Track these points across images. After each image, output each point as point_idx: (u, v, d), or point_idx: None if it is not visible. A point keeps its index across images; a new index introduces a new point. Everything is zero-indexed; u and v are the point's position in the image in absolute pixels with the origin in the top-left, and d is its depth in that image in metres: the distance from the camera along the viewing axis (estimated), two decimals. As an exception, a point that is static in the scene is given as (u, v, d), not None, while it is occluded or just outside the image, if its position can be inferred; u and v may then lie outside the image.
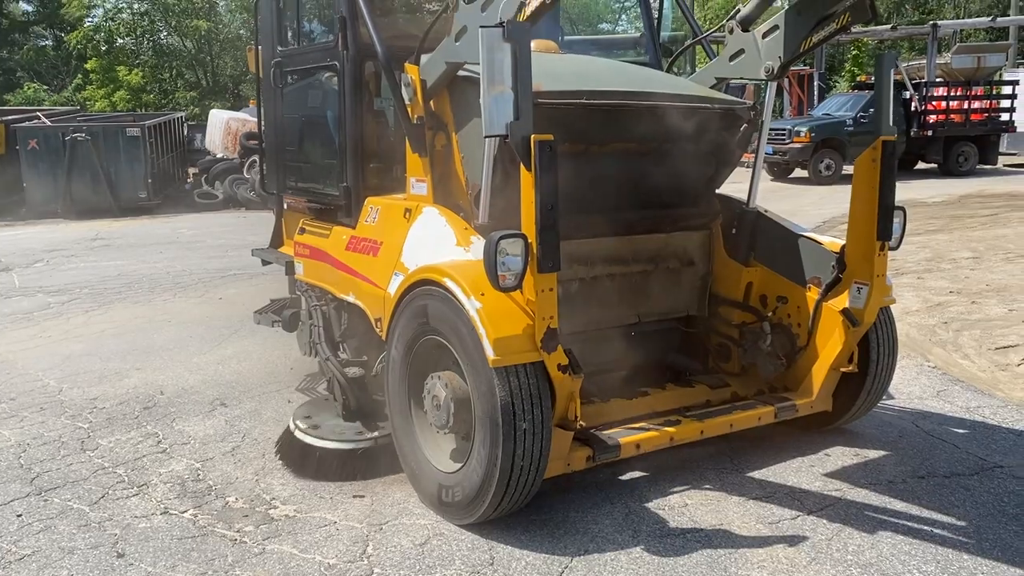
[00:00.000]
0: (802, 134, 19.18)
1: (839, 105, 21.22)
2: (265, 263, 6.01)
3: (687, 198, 4.75)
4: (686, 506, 3.80)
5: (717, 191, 4.91)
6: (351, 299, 4.47)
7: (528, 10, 3.25)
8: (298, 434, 4.25)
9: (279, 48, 5.26)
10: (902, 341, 6.70)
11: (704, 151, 4.57)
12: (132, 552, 3.44)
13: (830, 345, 4.30)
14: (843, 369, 4.31)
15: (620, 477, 4.11)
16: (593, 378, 4.24)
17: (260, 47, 5.49)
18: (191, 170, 20.33)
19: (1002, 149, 22.49)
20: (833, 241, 4.46)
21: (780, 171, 20.46)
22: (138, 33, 35.34)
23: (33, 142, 16.61)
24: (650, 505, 3.81)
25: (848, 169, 20.78)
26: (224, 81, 35.27)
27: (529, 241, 3.23)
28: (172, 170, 19.56)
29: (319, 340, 4.69)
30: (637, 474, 4.13)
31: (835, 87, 33.05)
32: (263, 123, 5.58)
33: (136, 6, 34.70)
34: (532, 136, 3.19)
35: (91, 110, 29.94)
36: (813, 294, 4.40)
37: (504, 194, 3.70)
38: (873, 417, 4.83)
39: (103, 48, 34.22)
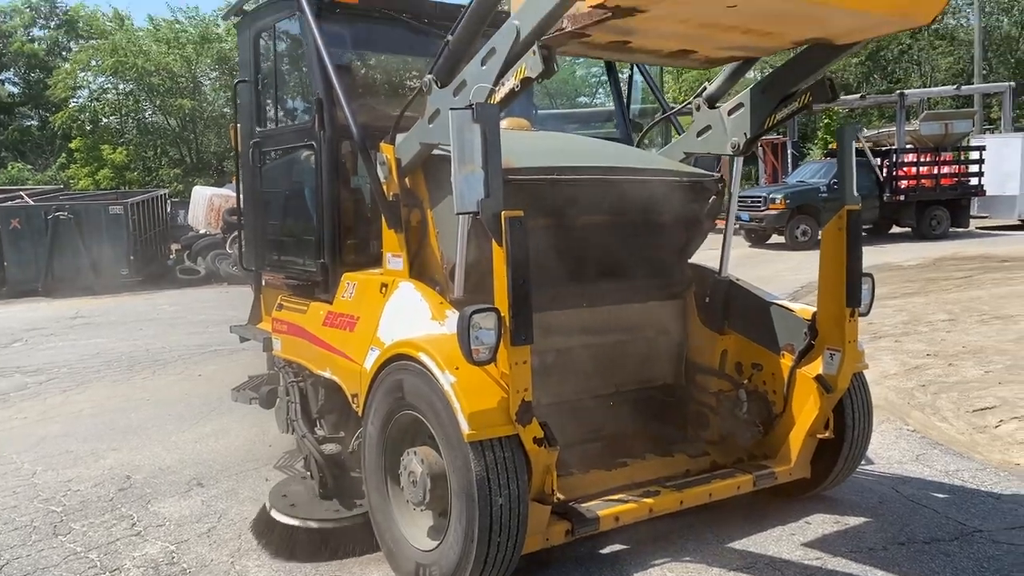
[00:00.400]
0: (777, 201, 19.54)
1: (813, 172, 21.69)
2: (243, 340, 6.00)
3: (660, 268, 4.82)
4: (668, 579, 3.77)
5: (690, 260, 4.99)
6: (328, 375, 4.48)
7: (497, 96, 3.35)
8: (274, 513, 4.20)
9: (257, 128, 5.37)
10: (881, 405, 6.78)
11: (674, 222, 4.67)
12: (102, 640, 3.36)
13: (805, 412, 4.33)
14: (820, 435, 4.33)
15: (600, 551, 4.07)
16: (571, 449, 4.23)
17: (239, 126, 5.60)
18: (173, 246, 20.40)
19: (974, 212, 22.98)
20: (805, 308, 4.52)
21: (757, 237, 20.76)
22: (123, 112, 35.81)
23: (15, 221, 16.67)
24: (632, 580, 3.77)
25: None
26: (208, 158, 35.63)
27: (502, 315, 3.27)
28: (154, 247, 19.61)
29: (296, 417, 4.67)
30: (617, 547, 4.09)
31: (809, 154, 33.79)
32: (242, 200, 5.64)
33: (121, 87, 35.23)
34: (503, 213, 3.26)
35: (75, 188, 30.10)
36: (787, 361, 4.45)
37: (478, 269, 3.75)
38: (853, 483, 4.83)
39: (88, 128, 34.59)
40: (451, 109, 3.33)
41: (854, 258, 4.20)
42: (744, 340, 4.72)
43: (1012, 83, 28.75)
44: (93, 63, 34.82)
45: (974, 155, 22.43)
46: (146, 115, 36.54)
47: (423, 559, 3.60)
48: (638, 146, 5.49)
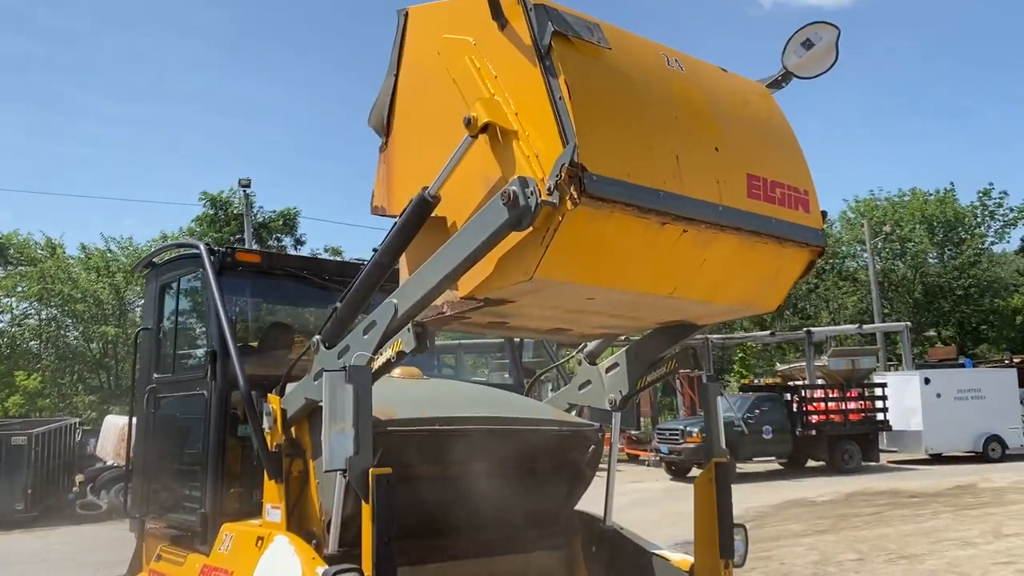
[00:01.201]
0: (694, 434, 19.95)
1: (728, 406, 22.35)
2: (121, 593, 5.73)
3: (544, 518, 4.89)
4: None
5: (576, 508, 5.07)
6: (198, 636, 4.30)
7: (375, 364, 3.54)
8: None
9: (154, 375, 5.47)
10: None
11: (556, 472, 4.80)
12: None
13: (689, 664, 4.29)
14: None
15: None
16: None
17: (137, 376, 5.69)
18: (77, 478, 19.51)
19: (883, 446, 23.75)
20: (684, 559, 4.59)
21: (677, 470, 20.94)
22: (43, 338, 35.38)
23: (-95, 452, 15.89)
24: None
25: (741, 467, 21.50)
26: (127, 384, 34.96)
27: (365, 575, 3.28)
28: (57, 478, 18.75)
29: None
30: None
31: (727, 386, 34.95)
32: (132, 445, 5.62)
33: (44, 312, 35.07)
34: (371, 470, 3.36)
35: (-20, 416, 28.99)
36: (670, 613, 4.46)
37: (356, 523, 3.78)
38: None
39: (6, 352, 33.94)
40: (325, 370, 3.52)
41: (724, 509, 4.36)
42: (629, 591, 4.73)
43: (908, 323, 30.84)
44: (19, 289, 34.80)
45: (877, 391, 23.52)
46: (69, 339, 36.14)
47: None
48: (527, 394, 5.72)
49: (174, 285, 5.50)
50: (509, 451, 4.51)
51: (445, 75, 3.30)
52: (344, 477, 3.59)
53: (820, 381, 26.94)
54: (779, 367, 32.50)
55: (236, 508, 4.68)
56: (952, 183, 51.87)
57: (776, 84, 3.96)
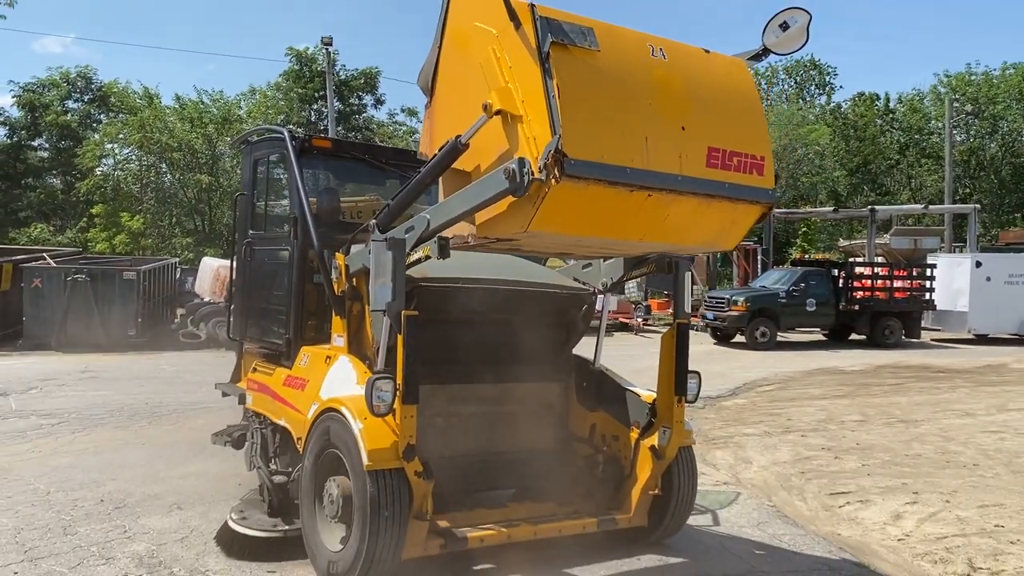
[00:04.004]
0: (739, 303, 21.09)
1: (776, 279, 23.31)
2: (225, 395, 7.45)
3: (546, 357, 6.28)
4: (513, 586, 5.13)
5: (574, 352, 6.44)
6: (283, 423, 5.91)
7: (410, 259, 4.83)
8: (231, 524, 5.59)
9: (250, 231, 6.94)
10: (757, 484, 8.15)
11: (556, 323, 6.17)
12: (98, 597, 4.74)
13: (644, 473, 5.71)
14: (652, 492, 5.71)
15: (474, 567, 5.41)
16: (465, 493, 5.62)
17: (236, 234, 7.17)
18: (179, 311, 21.93)
19: (929, 325, 24.46)
20: (649, 394, 5.94)
21: (721, 336, 22.24)
22: (143, 182, 37.98)
23: (37, 281, 18.29)
24: (487, 585, 5.13)
25: (784, 336, 22.63)
26: (220, 229, 37.51)
27: (396, 382, 4.72)
28: (161, 310, 21.16)
29: (255, 454, 6.09)
30: (486, 565, 5.44)
31: (789, 257, 35.59)
32: (233, 284, 7.17)
33: (144, 159, 37.49)
34: (403, 312, 4.74)
35: (92, 251, 31.90)
36: (635, 435, 5.84)
37: (396, 350, 5.22)
38: (692, 536, 6.18)
39: (110, 195, 36.68)
40: (372, 240, 4.87)
41: (681, 359, 5.62)
42: (607, 417, 6.12)
43: (977, 205, 30.59)
44: (121, 136, 37.16)
45: (927, 272, 24.04)
46: (165, 185, 38.69)
47: (333, 558, 4.96)
48: (545, 263, 7.01)
49: (264, 160, 6.87)
50: (519, 305, 5.87)
51: (474, 59, 4.34)
52: (385, 316, 5.00)
53: (880, 259, 27.46)
54: (842, 243, 32.86)
55: (311, 336, 6.19)
56: (1055, 59, 49.30)
57: (756, 58, 4.95)
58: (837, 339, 23.35)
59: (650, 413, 5.76)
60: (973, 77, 49.09)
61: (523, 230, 4.12)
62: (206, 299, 21.24)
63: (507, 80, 4.11)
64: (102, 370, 15.13)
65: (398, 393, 4.72)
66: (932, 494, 7.81)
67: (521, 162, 3.93)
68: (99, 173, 37.84)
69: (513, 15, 4.04)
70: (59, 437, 9.29)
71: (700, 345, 21.22)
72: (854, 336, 23.45)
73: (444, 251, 4.59)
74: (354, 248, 5.63)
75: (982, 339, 24.68)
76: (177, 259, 26.58)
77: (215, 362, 16.56)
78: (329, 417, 5.10)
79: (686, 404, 5.67)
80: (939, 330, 25.13)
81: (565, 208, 4.03)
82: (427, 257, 4.71)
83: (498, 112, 4.08)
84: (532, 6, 4.01)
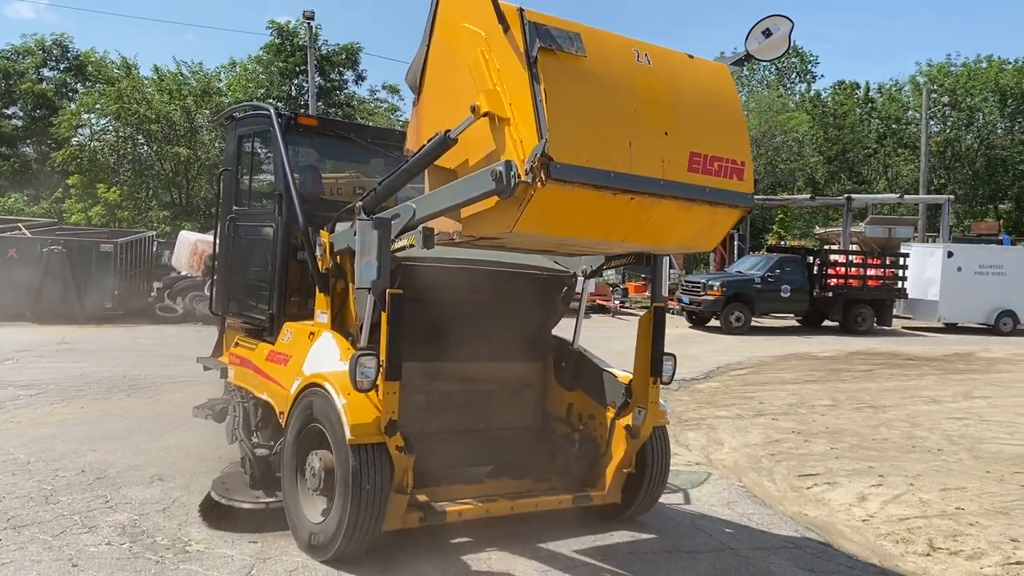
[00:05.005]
0: (715, 288, 21.35)
1: (751, 264, 23.62)
2: (207, 369, 7.51)
3: (526, 336, 6.41)
4: (489, 559, 5.26)
5: (553, 332, 6.57)
6: (265, 397, 6.00)
7: (394, 246, 4.88)
8: (214, 495, 5.68)
9: (234, 207, 6.98)
10: (728, 465, 8.35)
11: (536, 304, 6.28)
12: (83, 564, 4.82)
13: (618, 452, 5.85)
14: (626, 470, 5.86)
15: (451, 540, 5.55)
16: (444, 468, 5.74)
17: (219, 209, 7.20)
18: (155, 284, 21.84)
19: (900, 313, 24.90)
20: (625, 374, 6.07)
21: (697, 320, 22.50)
22: (120, 154, 37.54)
23: (12, 251, 18.14)
24: (464, 557, 5.26)
25: (758, 321, 22.94)
26: (197, 202, 37.25)
27: (380, 359, 4.82)
28: (138, 284, 21.06)
29: (237, 427, 6.17)
30: (464, 539, 5.58)
31: (765, 243, 35.96)
32: (216, 258, 7.21)
33: (121, 130, 37.04)
34: (387, 290, 4.84)
35: (68, 222, 31.58)
36: (610, 414, 5.98)
37: (379, 327, 5.31)
38: (664, 514, 6.35)
39: (86, 165, 36.24)
40: (358, 219, 4.94)
41: (658, 341, 5.74)
42: (584, 396, 6.26)
43: (951, 196, 31.06)
44: (97, 106, 36.66)
45: (899, 260, 24.44)
46: (142, 157, 38.28)
47: (314, 529, 5.07)
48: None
49: (249, 136, 6.90)
50: (500, 286, 5.98)
51: (462, 60, 4.38)
52: (370, 294, 5.08)
53: (854, 247, 27.82)
54: (817, 230, 33.26)
55: (295, 312, 6.27)
56: (1032, 53, 49.87)
57: (738, 63, 5.05)
58: (810, 325, 23.73)
59: (626, 393, 5.89)
60: (953, 68, 49.62)
61: (508, 230, 4.18)
62: (183, 273, 21.20)
63: (495, 83, 4.15)
64: (78, 342, 15.09)
65: (381, 369, 4.82)
66: (897, 477, 8.04)
67: (508, 165, 3.98)
68: (75, 143, 37.29)
69: (502, 18, 4.07)
70: (37, 408, 9.31)
71: (676, 328, 21.49)
72: (827, 322, 23.85)
73: (428, 241, 4.63)
74: (339, 227, 5.70)
75: (951, 328, 25.17)
76: (154, 232, 26.38)
77: (191, 336, 16.63)
78: (312, 392, 5.20)
79: (661, 386, 5.80)
80: (910, 318, 25.59)
81: (550, 210, 4.09)
82: (411, 246, 4.78)
83: (486, 114, 4.14)
84: (521, 11, 4.04)
